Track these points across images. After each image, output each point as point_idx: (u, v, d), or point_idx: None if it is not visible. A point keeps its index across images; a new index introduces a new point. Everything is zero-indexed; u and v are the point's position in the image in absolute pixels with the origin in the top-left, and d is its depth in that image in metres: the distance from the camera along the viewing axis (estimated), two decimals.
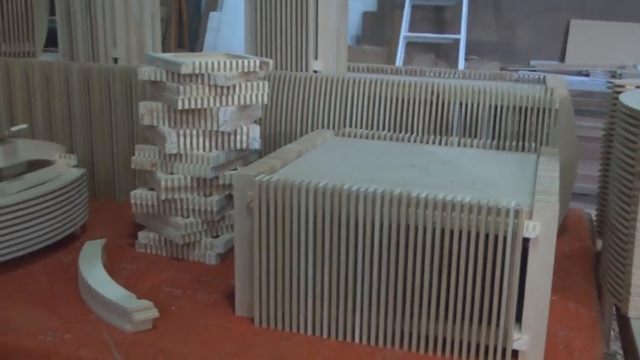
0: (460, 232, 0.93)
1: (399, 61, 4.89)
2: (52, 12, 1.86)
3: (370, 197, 0.95)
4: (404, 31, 4.96)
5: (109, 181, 1.66)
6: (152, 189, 1.30)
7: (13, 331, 1.05)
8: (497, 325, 0.94)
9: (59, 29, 1.71)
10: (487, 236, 0.93)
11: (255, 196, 1.00)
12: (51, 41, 1.93)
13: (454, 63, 4.92)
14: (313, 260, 1.00)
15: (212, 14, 4.32)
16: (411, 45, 5.13)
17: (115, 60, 1.65)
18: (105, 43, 1.64)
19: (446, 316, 0.97)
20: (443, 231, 0.94)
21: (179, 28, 5.07)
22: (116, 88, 1.59)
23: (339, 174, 1.08)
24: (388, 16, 5.24)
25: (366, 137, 1.37)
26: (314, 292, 1.01)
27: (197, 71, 1.19)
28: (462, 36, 4.90)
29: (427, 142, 1.35)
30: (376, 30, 5.26)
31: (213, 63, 1.19)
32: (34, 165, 1.40)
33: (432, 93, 1.43)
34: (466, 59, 4.92)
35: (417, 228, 0.95)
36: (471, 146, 1.32)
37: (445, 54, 5.22)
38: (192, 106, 1.20)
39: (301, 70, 1.54)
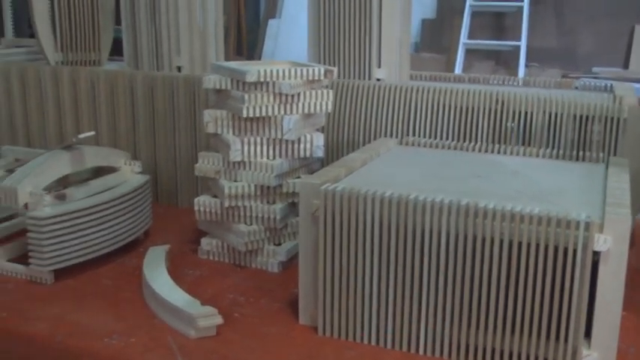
0: (528, 245, 0.91)
1: (458, 68, 4.84)
2: (117, 22, 1.90)
3: (437, 207, 0.94)
4: (463, 38, 4.92)
5: (172, 188, 1.69)
6: (215, 196, 1.31)
7: (81, 333, 1.07)
8: (566, 340, 0.92)
9: (124, 38, 1.74)
10: (556, 249, 0.90)
11: (320, 204, 1.00)
12: (115, 50, 1.97)
13: (514, 70, 4.85)
14: (378, 270, 0.99)
15: (271, 22, 4.34)
16: (470, 52, 5.08)
17: (179, 68, 1.67)
18: (169, 52, 1.66)
19: (512, 330, 0.95)
20: (511, 243, 0.92)
21: (238, 35, 5.11)
22: (180, 96, 1.61)
23: (404, 183, 1.07)
24: (447, 23, 5.20)
25: (430, 146, 1.36)
26: (379, 302, 1.00)
27: (262, 79, 1.19)
28: (523, 43, 4.82)
29: (491, 152, 1.33)
30: (435, 37, 5.22)
31: (278, 71, 1.20)
32: (99, 171, 1.43)
33: (497, 101, 1.41)
34: (526, 66, 4.85)
35: (484, 239, 0.93)
36: (537, 156, 1.29)
37: (505, 61, 5.15)
38: (257, 114, 1.21)
39: (364, 78, 1.54)
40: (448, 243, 0.95)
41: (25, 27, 3.35)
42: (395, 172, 1.15)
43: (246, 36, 5.15)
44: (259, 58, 4.53)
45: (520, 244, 0.92)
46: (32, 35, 2.94)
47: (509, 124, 1.41)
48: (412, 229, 0.96)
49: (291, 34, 4.45)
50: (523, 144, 1.40)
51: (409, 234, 0.97)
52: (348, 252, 1.01)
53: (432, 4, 5.30)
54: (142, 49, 1.69)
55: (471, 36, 5.04)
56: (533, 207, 0.93)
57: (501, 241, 0.92)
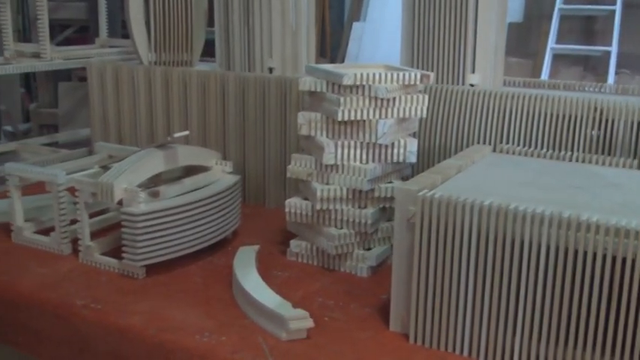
0: (633, 261, 0.88)
1: (544, 74, 4.73)
2: (209, 23, 1.93)
3: (538, 218, 0.92)
4: (551, 43, 4.80)
5: (260, 188, 1.70)
6: (306, 198, 1.31)
7: (173, 329, 1.09)
8: None
9: (217, 40, 1.76)
10: None
11: (417, 211, 0.99)
12: (206, 51, 2.00)
13: (602, 77, 4.71)
14: (474, 280, 0.97)
15: (355, 24, 4.34)
16: (557, 57, 4.96)
17: (270, 70, 1.68)
18: (261, 53, 1.67)
19: (612, 351, 0.91)
20: (614, 259, 0.89)
21: (321, 38, 5.13)
22: (270, 97, 1.62)
23: (501, 192, 1.04)
24: (535, 27, 5.09)
25: (525, 155, 1.33)
26: (473, 313, 0.98)
27: (358, 83, 1.19)
28: (614, 48, 4.67)
29: (590, 162, 1.29)
30: (522, 41, 5.12)
31: (374, 75, 1.19)
32: (190, 170, 1.45)
33: (595, 110, 1.37)
34: (616, 73, 4.70)
35: (585, 253, 0.90)
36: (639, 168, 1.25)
37: (593, 67, 5.00)
38: (352, 118, 1.20)
39: (457, 84, 1.51)
40: (548, 256, 0.92)
41: (118, 28, 3.44)
42: (491, 180, 1.13)
43: (329, 38, 5.16)
44: (342, 61, 4.53)
45: (624, 260, 0.88)
46: (125, 36, 3.02)
47: (593, 132, 1.36)
48: (511, 240, 0.94)
49: (375, 36, 4.43)
50: (609, 154, 1.35)
51: (507, 244, 0.94)
52: (443, 260, 0.99)
53: (519, 8, 5.19)
54: (235, 50, 1.71)
55: (558, 40, 4.92)
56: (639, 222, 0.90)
57: (604, 257, 0.89)
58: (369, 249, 1.30)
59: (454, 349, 1.01)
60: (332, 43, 5.21)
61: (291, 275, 1.29)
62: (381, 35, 3.54)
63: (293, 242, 1.35)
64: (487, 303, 0.97)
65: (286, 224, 1.39)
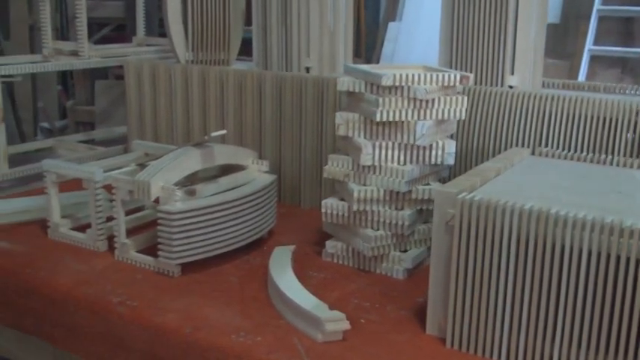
0: None
1: (582, 75, 4.67)
2: (246, 22, 1.93)
3: (579, 223, 0.90)
4: (589, 44, 4.74)
5: (295, 188, 1.70)
6: (343, 199, 1.31)
7: (208, 327, 1.09)
8: None
9: (255, 39, 1.76)
10: None
11: (456, 213, 0.98)
12: (241, 50, 2.00)
13: None
14: (513, 284, 0.96)
15: (391, 24, 4.32)
16: (594, 59, 4.90)
17: (307, 69, 1.68)
18: (299, 53, 1.67)
19: None
20: None
21: (357, 37, 5.12)
22: (307, 96, 1.62)
23: (541, 196, 1.03)
24: (572, 28, 5.03)
25: (564, 158, 1.31)
26: (511, 318, 0.97)
27: (397, 83, 1.18)
28: None
29: (631, 166, 1.26)
30: (558, 42, 5.06)
31: (413, 75, 1.18)
32: (226, 169, 1.45)
33: (638, 113, 1.34)
34: None
35: (628, 260, 0.88)
36: None
37: (632, 69, 4.93)
38: (391, 119, 1.19)
39: (496, 85, 1.49)
40: (589, 262, 0.91)
41: (155, 26, 3.47)
42: (531, 183, 1.11)
43: (364, 38, 5.15)
44: (378, 61, 4.51)
45: None
46: (162, 34, 3.04)
47: (628, 135, 1.34)
48: (551, 245, 0.92)
49: (410, 37, 4.41)
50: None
51: (548, 249, 0.93)
52: (482, 263, 0.98)
53: (556, 9, 5.13)
54: (272, 49, 1.71)
55: (596, 42, 4.85)
56: None
57: None
58: (405, 251, 1.29)
59: (492, 355, 0.99)
60: (367, 43, 5.20)
61: (327, 276, 1.28)
62: (416, 36, 3.52)
63: (329, 243, 1.34)
64: (526, 308, 0.96)
65: (321, 224, 1.39)
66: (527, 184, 1.11)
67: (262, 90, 1.68)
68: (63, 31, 4.28)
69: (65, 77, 4.52)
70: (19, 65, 1.89)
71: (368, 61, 4.54)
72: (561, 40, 5.11)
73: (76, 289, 1.23)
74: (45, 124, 4.17)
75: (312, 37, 1.66)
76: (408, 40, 4.71)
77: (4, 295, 1.32)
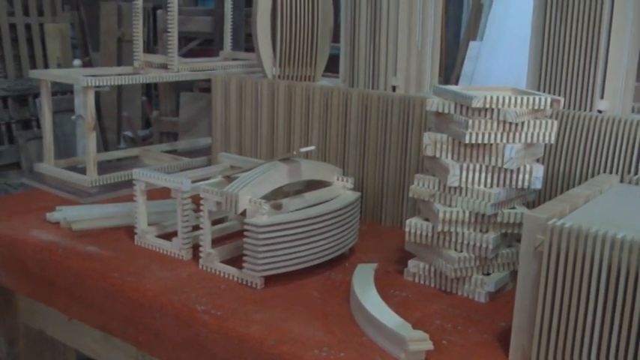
0: None
1: None
2: (333, 39, 1.95)
3: None
4: None
5: (377, 205, 1.70)
6: (427, 219, 1.31)
7: (292, 341, 1.10)
8: None
9: (342, 56, 1.78)
10: None
11: (545, 240, 0.97)
12: (327, 66, 2.02)
13: None
14: (602, 314, 0.94)
15: (472, 43, 4.28)
16: None
17: (394, 88, 1.69)
18: (385, 71, 1.68)
19: None
20: None
21: None
22: (393, 115, 1.63)
23: (633, 225, 1.00)
24: None
25: None
26: (599, 349, 0.95)
27: (487, 106, 1.18)
28: None
29: None
30: None
31: (504, 98, 1.18)
32: (311, 184, 1.47)
33: None
34: None
35: None
36: None
37: None
38: (479, 141, 1.19)
39: (584, 109, 1.47)
40: None
41: (241, 41, 3.54)
42: (621, 212, 1.09)
43: (445, 57, 5.13)
44: (457, 80, 4.49)
45: None
46: (248, 49, 3.09)
47: None
48: None
49: (491, 57, 4.37)
50: None
51: None
52: (570, 292, 0.96)
53: None
54: (359, 66, 1.73)
55: None
56: None
57: None
58: (487, 274, 1.28)
59: None
60: (447, 61, 5.18)
61: (408, 295, 1.29)
62: (497, 56, 3.48)
63: (411, 262, 1.35)
64: (615, 340, 0.94)
65: (403, 243, 1.39)
66: (617, 212, 1.09)
67: (348, 107, 1.70)
68: (149, 44, 4.41)
69: (149, 88, 4.65)
70: (112, 77, 1.96)
71: (447, 80, 4.52)
72: None
73: (162, 295, 1.27)
74: (128, 133, 4.30)
75: (400, 55, 1.67)
76: (489, 60, 4.68)
77: (92, 297, 1.37)
